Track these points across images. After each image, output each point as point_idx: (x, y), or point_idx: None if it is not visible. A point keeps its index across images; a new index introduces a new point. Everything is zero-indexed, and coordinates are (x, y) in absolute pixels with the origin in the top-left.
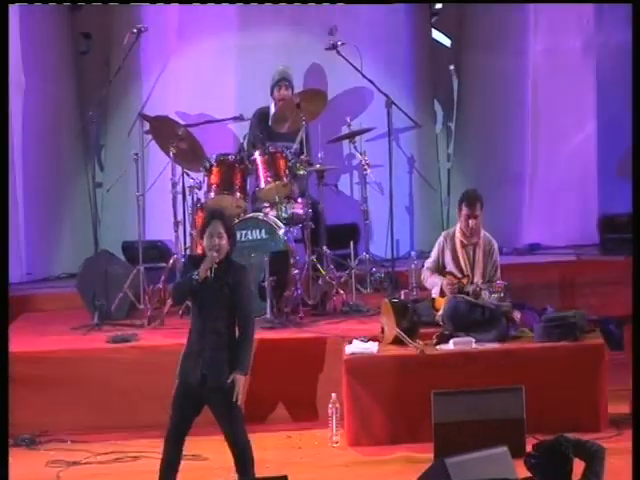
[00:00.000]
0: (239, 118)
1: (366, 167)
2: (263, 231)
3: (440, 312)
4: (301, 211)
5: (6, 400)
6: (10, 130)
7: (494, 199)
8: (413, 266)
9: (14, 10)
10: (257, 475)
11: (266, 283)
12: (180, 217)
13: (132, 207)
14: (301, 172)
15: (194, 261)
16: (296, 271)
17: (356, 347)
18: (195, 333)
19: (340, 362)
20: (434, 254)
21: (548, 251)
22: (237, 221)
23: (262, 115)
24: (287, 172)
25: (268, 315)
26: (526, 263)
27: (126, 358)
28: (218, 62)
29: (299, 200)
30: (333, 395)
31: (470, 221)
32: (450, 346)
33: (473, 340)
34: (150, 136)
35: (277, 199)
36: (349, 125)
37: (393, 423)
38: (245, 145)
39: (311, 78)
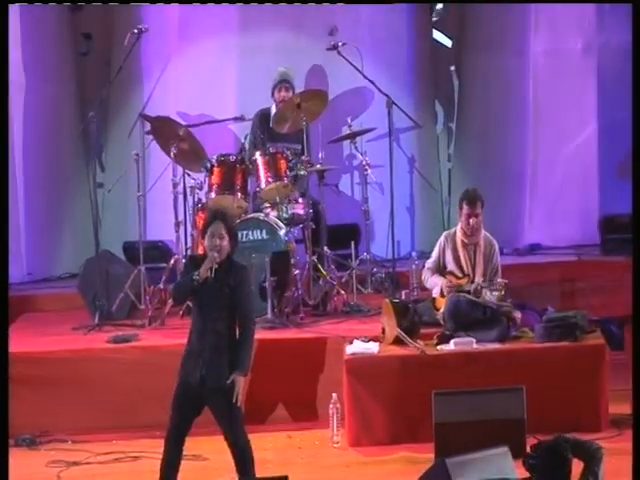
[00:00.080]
0: (240, 118)
1: (367, 167)
2: (264, 231)
3: (441, 310)
4: (302, 211)
5: (6, 400)
6: (11, 131)
7: (495, 199)
8: (414, 266)
9: (15, 11)
10: (258, 475)
11: (267, 283)
12: (181, 217)
13: (133, 207)
14: (302, 172)
15: (195, 261)
16: (297, 271)
17: (357, 347)
18: (195, 333)
19: (341, 362)
20: (435, 254)
21: (549, 251)
22: (238, 221)
23: (263, 116)
24: (288, 172)
25: (269, 315)
26: (527, 263)
27: (127, 358)
28: (219, 62)
29: (300, 200)
30: (334, 395)
31: (471, 220)
32: (451, 346)
33: (474, 340)
34: (151, 136)
35: (278, 199)
36: (350, 125)
37: (394, 423)
38: (246, 145)
39: (312, 78)
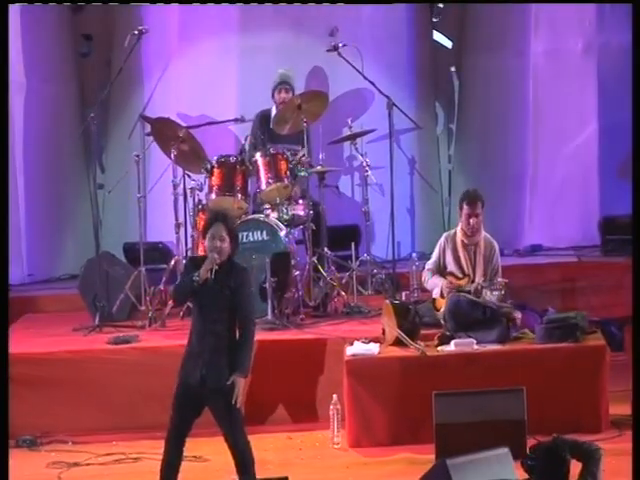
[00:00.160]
0: (240, 120)
1: (367, 168)
2: (264, 232)
3: (442, 309)
4: (302, 212)
5: (6, 401)
6: (11, 131)
7: (495, 200)
8: (414, 267)
9: (16, 12)
10: (258, 476)
11: (267, 284)
12: (181, 219)
13: (133, 208)
14: (302, 173)
15: (195, 262)
16: (297, 272)
17: (357, 348)
18: (195, 334)
19: (341, 363)
20: (435, 255)
21: (549, 252)
22: (238, 222)
23: (263, 117)
24: (288, 174)
25: (269, 316)
26: (527, 264)
27: (127, 359)
28: (219, 63)
29: (300, 201)
30: (334, 396)
31: (471, 220)
32: (451, 347)
33: (474, 341)
34: (151, 138)
35: (278, 200)
36: (350, 127)
37: (394, 424)
38: (246, 147)
39: (312, 79)
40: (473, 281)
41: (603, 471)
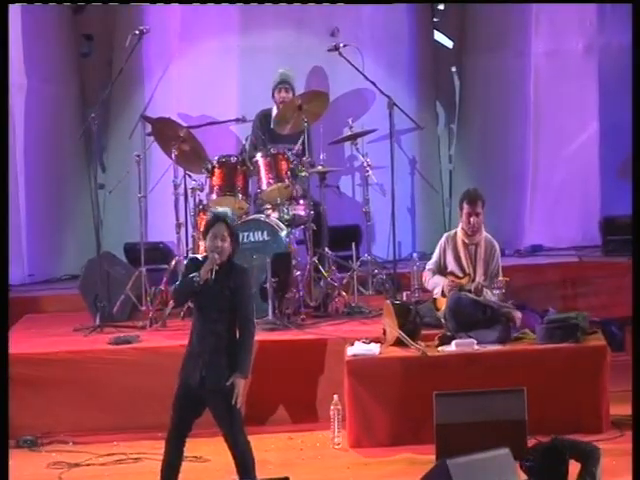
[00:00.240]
0: (241, 120)
1: (368, 169)
2: (265, 233)
3: (442, 309)
4: (303, 213)
5: (6, 401)
6: (12, 132)
7: (496, 200)
8: (415, 268)
9: (16, 12)
10: (259, 476)
11: (268, 284)
12: (182, 219)
13: (134, 209)
14: (303, 174)
15: (196, 263)
16: (298, 273)
17: (358, 349)
18: (195, 335)
19: (342, 364)
20: (436, 255)
21: (550, 252)
22: (239, 223)
23: (264, 117)
24: (289, 174)
25: (270, 316)
26: (528, 264)
27: (128, 359)
28: (220, 64)
29: (301, 202)
30: (335, 397)
31: (472, 219)
32: (452, 347)
33: (475, 342)
34: (152, 138)
35: (279, 201)
36: (351, 127)
37: (395, 424)
38: (247, 147)
39: (313, 79)
40: (474, 280)
41: (602, 471)
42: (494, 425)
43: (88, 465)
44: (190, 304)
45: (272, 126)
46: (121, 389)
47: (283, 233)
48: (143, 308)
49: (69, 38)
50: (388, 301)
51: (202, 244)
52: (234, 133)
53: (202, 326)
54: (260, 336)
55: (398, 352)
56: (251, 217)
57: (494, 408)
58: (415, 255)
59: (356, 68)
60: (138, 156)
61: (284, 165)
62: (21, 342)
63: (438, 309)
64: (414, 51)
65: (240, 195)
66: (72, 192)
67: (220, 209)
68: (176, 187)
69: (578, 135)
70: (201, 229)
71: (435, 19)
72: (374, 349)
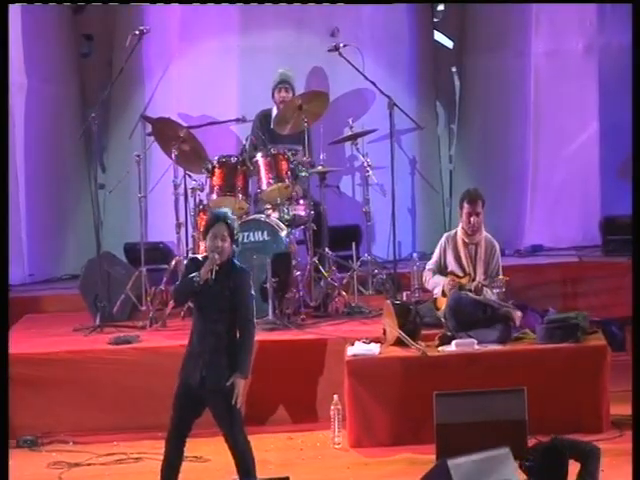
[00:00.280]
0: (241, 120)
1: (368, 169)
2: (265, 233)
3: (442, 308)
4: (303, 213)
5: (6, 401)
6: (12, 132)
7: (496, 200)
8: (415, 268)
9: (17, 12)
10: (259, 476)
11: (268, 285)
12: (182, 219)
13: (134, 209)
14: (303, 174)
15: (196, 263)
16: (298, 273)
17: (358, 349)
18: (196, 335)
19: (342, 364)
20: (436, 255)
21: (550, 252)
22: (239, 223)
23: (264, 117)
24: (289, 174)
25: (270, 316)
26: (528, 264)
27: (128, 359)
28: (220, 64)
29: (301, 202)
30: (335, 396)
31: (472, 218)
32: (452, 347)
33: (475, 342)
34: (152, 138)
35: (279, 201)
36: (351, 127)
37: (395, 424)
38: (247, 147)
39: (313, 80)
40: (474, 280)
41: (602, 471)
42: (494, 425)
43: (88, 465)
44: (190, 304)
45: (272, 126)
46: (121, 389)
47: (283, 233)
48: (143, 308)
49: (69, 38)
50: (388, 301)
51: (202, 244)
52: (234, 133)
53: (202, 326)
54: (260, 336)
55: (398, 352)
56: (251, 217)
57: (494, 408)
58: (415, 255)
59: (356, 68)
60: (138, 156)
61: (284, 165)
62: (21, 342)
63: (438, 309)
64: (414, 51)
65: (240, 195)
66: (72, 192)
67: (220, 209)
68: (176, 187)
69: (578, 135)
70: (201, 229)
71: (435, 19)
72: (374, 349)
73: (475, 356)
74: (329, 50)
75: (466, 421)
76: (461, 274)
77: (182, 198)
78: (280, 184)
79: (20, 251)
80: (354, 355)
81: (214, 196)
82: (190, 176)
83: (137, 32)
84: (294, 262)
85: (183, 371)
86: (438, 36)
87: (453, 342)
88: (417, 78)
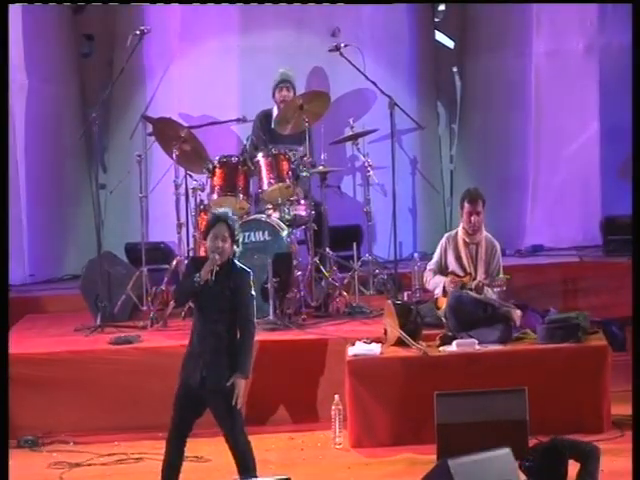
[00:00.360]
0: (242, 120)
1: (369, 169)
2: (266, 233)
3: (443, 307)
4: (304, 213)
5: (6, 401)
6: (13, 132)
7: (497, 201)
8: (416, 268)
9: (17, 12)
10: (260, 476)
11: (269, 285)
12: (183, 219)
13: (135, 209)
14: (304, 174)
15: (197, 263)
16: (299, 273)
17: (359, 349)
18: (196, 335)
19: (342, 364)
20: (436, 256)
21: (551, 252)
22: (240, 223)
23: (264, 117)
24: (290, 174)
25: (271, 316)
26: (529, 264)
27: (129, 359)
28: (221, 64)
29: (302, 202)
30: (336, 397)
31: (472, 217)
32: (453, 347)
33: (476, 342)
34: (153, 138)
35: (280, 201)
36: (352, 127)
37: (396, 424)
38: (248, 147)
39: (314, 80)
40: (475, 279)
41: (602, 471)
42: (495, 425)
43: (89, 465)
44: (191, 304)
45: (273, 126)
46: (122, 389)
47: (284, 233)
48: (144, 308)
49: (69, 38)
50: (389, 301)
51: (204, 244)
52: (235, 133)
53: (202, 326)
54: (261, 336)
55: (399, 352)
56: (252, 217)
57: (495, 408)
58: (416, 255)
59: (357, 68)
60: (139, 156)
61: (285, 165)
62: (22, 342)
63: (439, 309)
64: (415, 51)
65: (241, 195)
66: (73, 192)
67: (221, 209)
68: (177, 187)
69: (579, 135)
70: (202, 229)
71: (436, 19)
72: (375, 349)
73: (476, 356)
74: (330, 50)
75: (467, 421)
76: (462, 274)
77: (183, 198)
78: (281, 184)
79: (21, 251)
80: (355, 355)
81: (215, 196)
82: (191, 176)
83: (138, 32)
84: (295, 262)
85: (183, 371)
86: (439, 36)
87: (454, 342)
88: (418, 78)
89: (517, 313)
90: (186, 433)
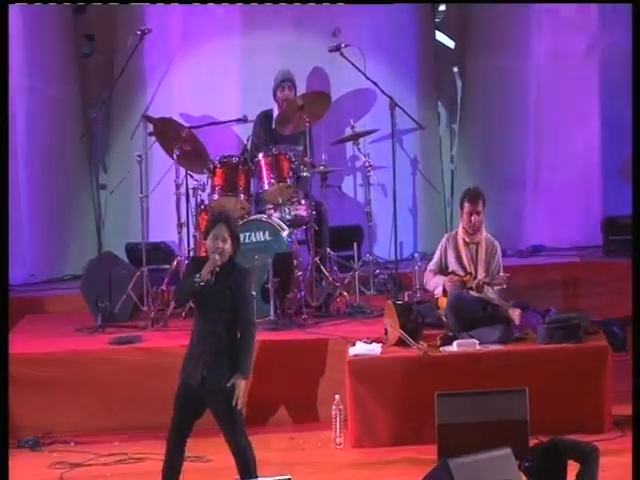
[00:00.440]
0: (242, 120)
1: (370, 169)
2: (267, 233)
3: (444, 306)
4: (304, 213)
5: (6, 401)
6: (14, 132)
7: (497, 201)
8: (417, 268)
9: (17, 12)
10: (260, 476)
11: (269, 285)
12: (184, 219)
13: (136, 209)
14: (305, 174)
15: (197, 263)
16: (299, 273)
17: (359, 349)
18: (196, 335)
19: (343, 364)
20: (437, 256)
21: (551, 253)
22: (241, 223)
23: (265, 117)
24: (291, 174)
25: (272, 316)
26: (529, 265)
27: (129, 360)
28: (221, 64)
29: (302, 202)
30: (337, 397)
31: (472, 217)
32: (454, 348)
33: (477, 342)
34: (154, 138)
35: (281, 201)
36: (353, 127)
37: (396, 424)
38: (248, 147)
39: (314, 80)
40: (475, 278)
41: (602, 471)
42: (496, 425)
43: (90, 465)
44: (191, 304)
45: (274, 126)
46: (122, 389)
47: (285, 233)
48: (144, 308)
49: (70, 38)
50: (390, 301)
51: (204, 244)
52: (235, 133)
53: (203, 327)
54: (262, 336)
55: (400, 352)
56: (253, 217)
57: (496, 408)
58: (417, 255)
59: (357, 68)
60: (140, 156)
61: (286, 165)
62: (23, 342)
63: (440, 308)
64: (416, 51)
65: (242, 195)
66: (74, 192)
67: (221, 210)
68: (178, 187)
69: (579, 135)
70: (202, 229)
71: (436, 19)
72: (376, 349)
73: (476, 356)
74: (330, 50)
75: (468, 421)
76: (462, 274)
77: (184, 198)
78: (282, 184)
79: (21, 251)
80: (355, 355)
81: (215, 196)
82: (192, 176)
83: (138, 32)
84: (295, 262)
85: (184, 371)
86: (439, 36)
87: (454, 342)
88: (418, 78)
89: (516, 312)
90: (186, 433)
